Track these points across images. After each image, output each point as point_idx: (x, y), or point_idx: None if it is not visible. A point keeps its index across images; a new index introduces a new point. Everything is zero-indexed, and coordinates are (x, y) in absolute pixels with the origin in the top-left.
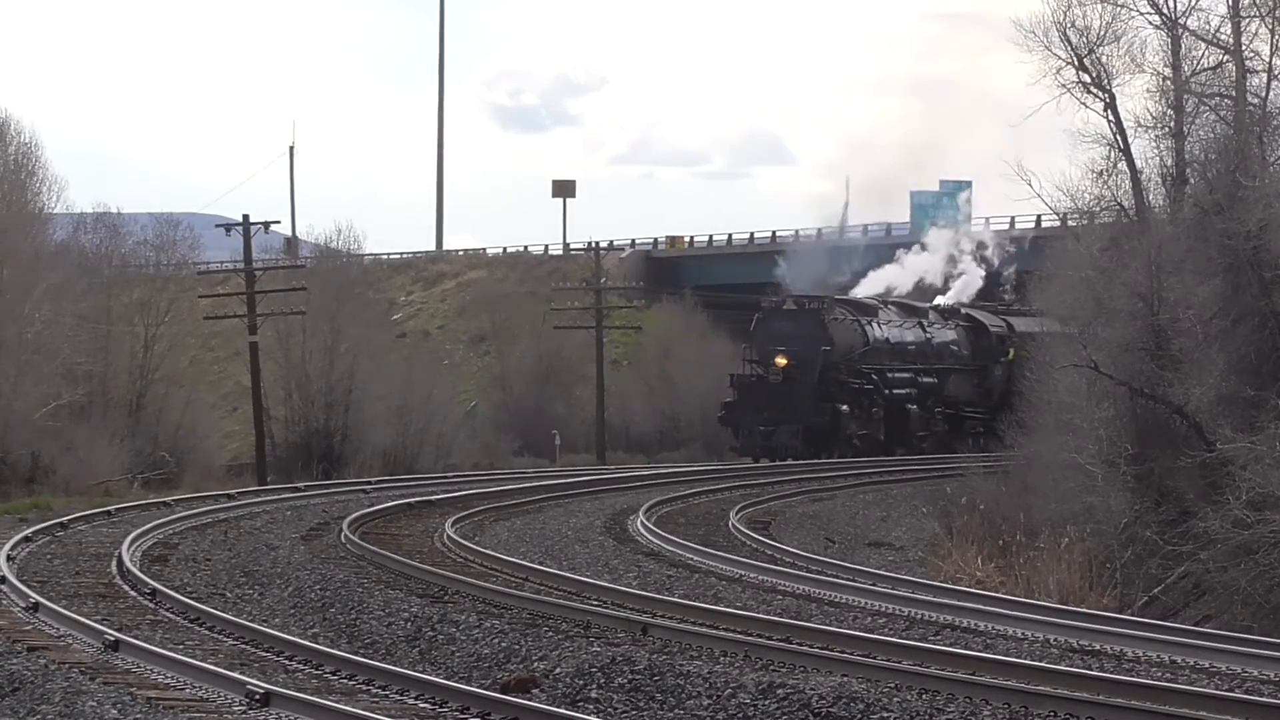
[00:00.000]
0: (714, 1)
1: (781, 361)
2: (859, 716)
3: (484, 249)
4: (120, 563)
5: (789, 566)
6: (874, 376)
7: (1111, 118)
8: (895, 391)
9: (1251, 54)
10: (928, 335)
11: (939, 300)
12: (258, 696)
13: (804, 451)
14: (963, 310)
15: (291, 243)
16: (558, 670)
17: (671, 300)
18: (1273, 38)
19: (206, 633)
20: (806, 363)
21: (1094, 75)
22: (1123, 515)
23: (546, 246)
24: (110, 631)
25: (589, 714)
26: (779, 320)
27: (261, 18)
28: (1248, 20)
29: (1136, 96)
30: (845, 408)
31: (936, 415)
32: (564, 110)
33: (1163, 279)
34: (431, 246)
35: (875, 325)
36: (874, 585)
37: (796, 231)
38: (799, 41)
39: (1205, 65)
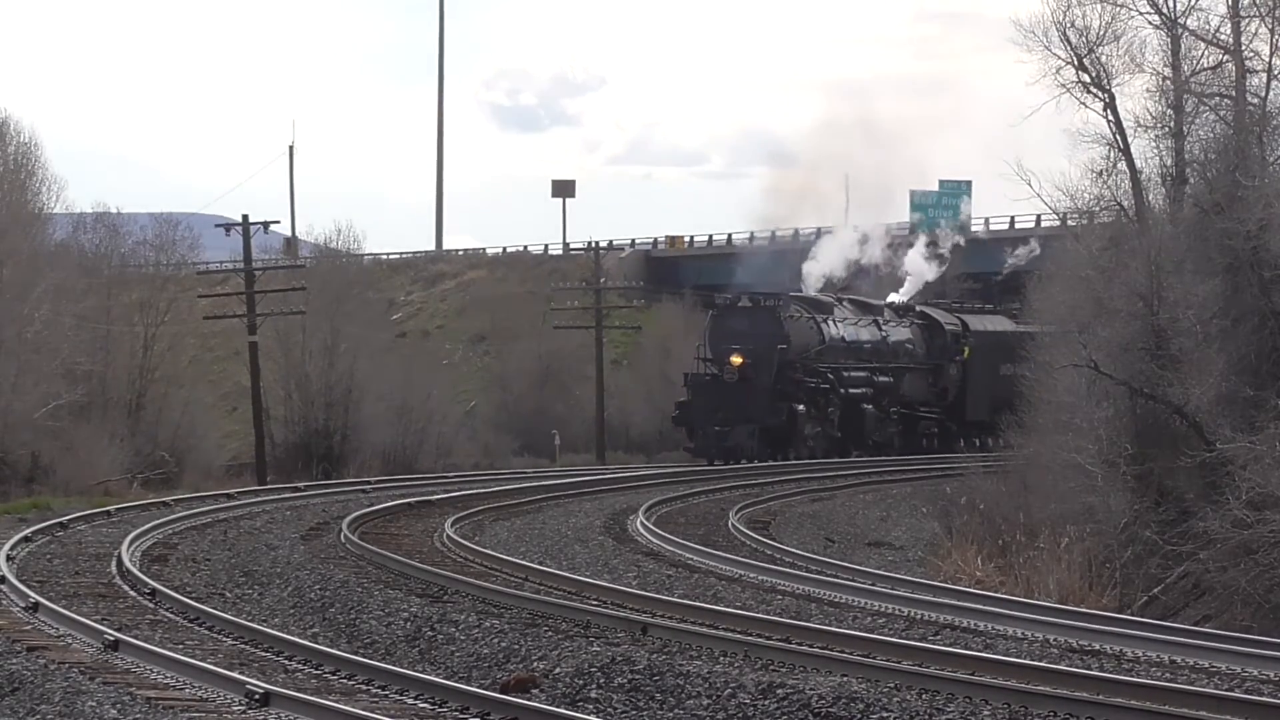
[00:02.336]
0: (712, 2)
1: (737, 360)
2: (859, 716)
3: (484, 249)
4: (120, 563)
5: (789, 566)
6: (830, 375)
7: (1111, 118)
8: (851, 391)
9: (1251, 54)
10: (883, 333)
11: (892, 297)
12: (257, 696)
13: (760, 452)
14: (917, 308)
15: (291, 242)
16: (557, 670)
17: (671, 300)
18: (1272, 38)
19: (206, 633)
20: (763, 361)
21: (1094, 75)
22: (1122, 515)
23: (546, 246)
24: (110, 631)
25: (589, 714)
26: (734, 318)
27: (261, 18)
28: (1247, 20)
29: (1136, 96)
30: (802, 408)
31: (891, 415)
32: (562, 110)
33: (1163, 279)
34: (431, 246)
35: (831, 323)
36: (874, 585)
37: (795, 231)
38: (797, 41)
39: (1205, 65)
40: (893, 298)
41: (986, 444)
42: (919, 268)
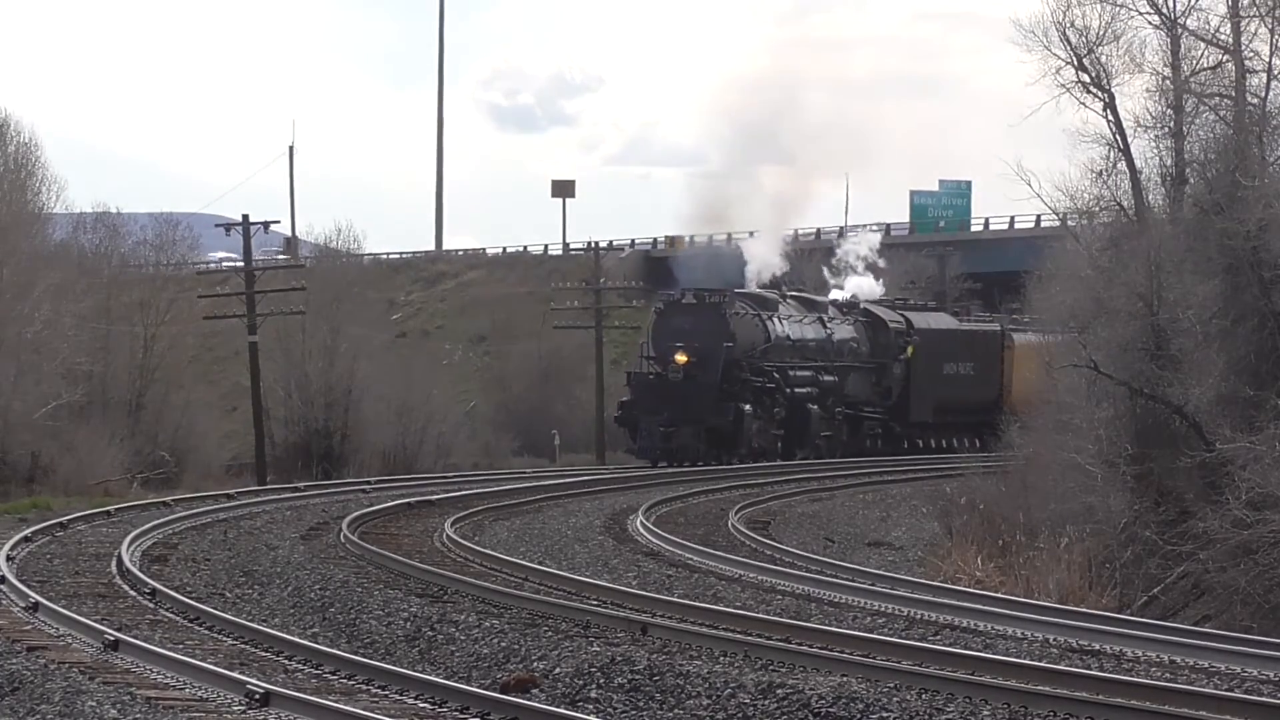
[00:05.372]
0: (710, 2)
1: (682, 359)
2: (859, 716)
3: (484, 249)
4: (120, 562)
5: (789, 566)
6: (776, 375)
7: (1111, 117)
8: (797, 390)
9: (1251, 54)
10: (828, 331)
11: (835, 294)
12: (257, 696)
13: (705, 454)
14: (861, 305)
15: (291, 242)
16: (557, 670)
17: None
18: (1272, 38)
19: (206, 632)
20: (708, 360)
21: (1093, 75)
22: (1122, 515)
23: (546, 246)
24: (110, 631)
25: (589, 714)
26: (678, 315)
27: (261, 18)
28: (1247, 20)
29: (1136, 96)
30: (748, 407)
31: (836, 416)
32: (560, 110)
33: (1162, 279)
34: (431, 246)
35: (776, 320)
36: (874, 585)
37: (795, 231)
38: (795, 40)
39: (1205, 65)
40: (835, 294)
41: (930, 446)
42: (859, 263)
